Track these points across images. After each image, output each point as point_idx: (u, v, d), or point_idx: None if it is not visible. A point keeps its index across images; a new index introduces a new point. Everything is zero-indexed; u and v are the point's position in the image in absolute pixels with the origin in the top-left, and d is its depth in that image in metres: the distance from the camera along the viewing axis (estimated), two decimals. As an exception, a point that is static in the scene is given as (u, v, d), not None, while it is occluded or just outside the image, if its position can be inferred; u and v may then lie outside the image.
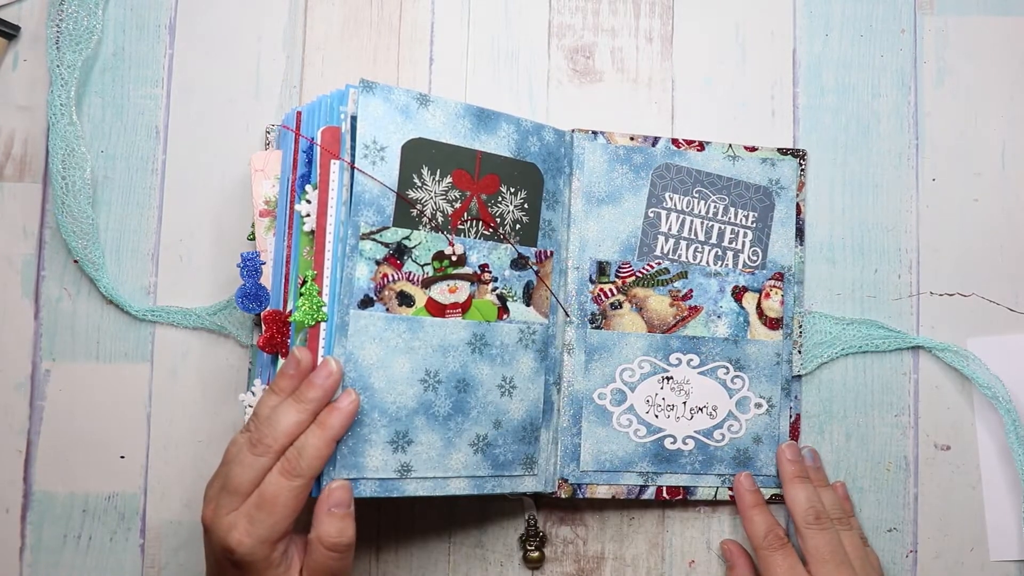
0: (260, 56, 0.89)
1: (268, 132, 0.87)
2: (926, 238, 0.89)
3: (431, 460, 0.75)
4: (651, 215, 0.86)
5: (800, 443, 0.87)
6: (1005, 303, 0.89)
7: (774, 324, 0.86)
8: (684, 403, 0.85)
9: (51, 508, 0.85)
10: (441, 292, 0.76)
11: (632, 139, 0.86)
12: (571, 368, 0.84)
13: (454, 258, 0.76)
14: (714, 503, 0.87)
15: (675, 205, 0.86)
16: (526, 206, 0.80)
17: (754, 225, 0.87)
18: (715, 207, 0.86)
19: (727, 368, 0.86)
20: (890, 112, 0.90)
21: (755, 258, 0.87)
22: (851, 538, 0.82)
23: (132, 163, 0.87)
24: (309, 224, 0.74)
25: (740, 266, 0.86)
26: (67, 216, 0.84)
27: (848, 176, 0.90)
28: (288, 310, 0.75)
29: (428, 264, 0.76)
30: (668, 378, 0.85)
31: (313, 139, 0.74)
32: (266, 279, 0.79)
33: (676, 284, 0.86)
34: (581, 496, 0.84)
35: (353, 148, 0.73)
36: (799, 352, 0.87)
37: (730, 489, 0.86)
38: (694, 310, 0.86)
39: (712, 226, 0.86)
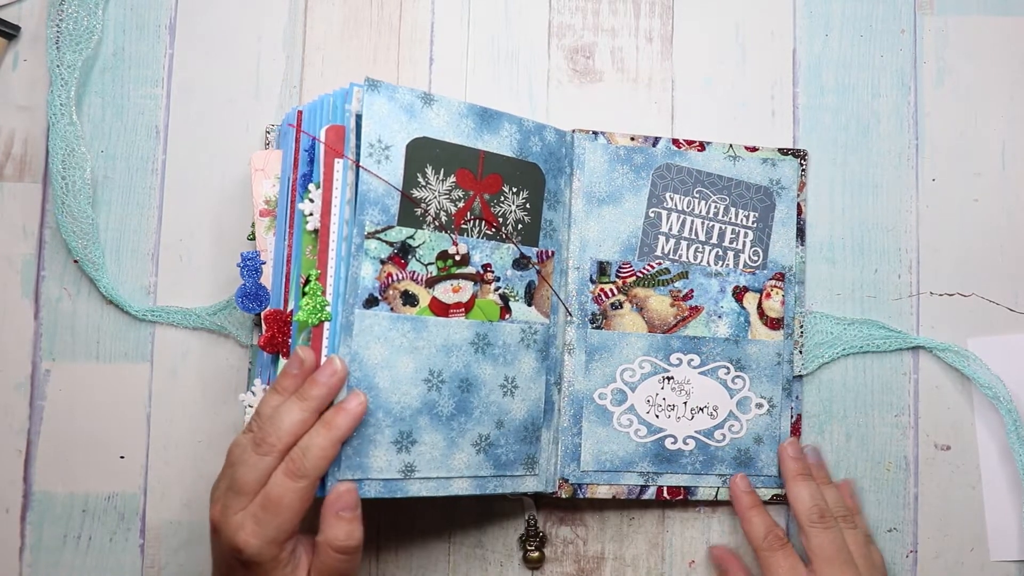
0: (260, 56, 0.89)
1: (268, 132, 0.87)
2: (926, 238, 0.89)
3: (434, 460, 0.75)
4: (652, 215, 0.86)
5: (801, 443, 0.87)
6: (1005, 303, 0.89)
7: (775, 324, 0.86)
8: (685, 403, 0.85)
9: (51, 508, 0.85)
10: (445, 292, 0.76)
11: (633, 139, 0.86)
12: (572, 368, 0.84)
13: (458, 258, 0.76)
14: (714, 503, 0.87)
15: (676, 205, 0.86)
16: (528, 206, 0.80)
17: (755, 225, 0.87)
18: (716, 207, 0.86)
19: (728, 368, 0.86)
20: (890, 112, 0.90)
21: (756, 258, 0.87)
22: (855, 537, 0.82)
23: (132, 163, 0.87)
24: (312, 223, 0.74)
25: (741, 266, 0.86)
26: (67, 216, 0.84)
27: (848, 176, 0.90)
28: (289, 310, 0.75)
29: (432, 263, 0.76)
30: (669, 378, 0.85)
31: (317, 137, 0.74)
32: (266, 279, 0.79)
33: (677, 284, 0.86)
34: (581, 496, 0.84)
35: (358, 147, 0.73)
36: (800, 352, 0.87)
37: (731, 489, 0.86)
38: (695, 310, 0.86)
39: (713, 226, 0.86)
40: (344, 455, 0.72)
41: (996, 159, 0.90)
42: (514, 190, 0.79)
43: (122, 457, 0.85)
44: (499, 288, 0.78)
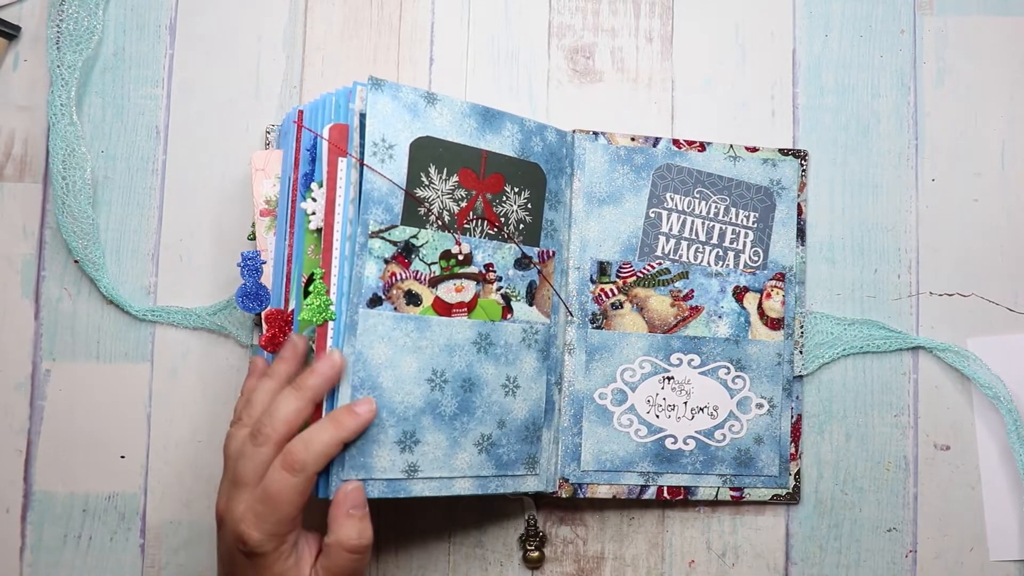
0: (260, 56, 0.89)
1: (268, 132, 0.87)
2: (926, 238, 0.90)
3: (437, 460, 0.75)
4: (652, 215, 0.86)
5: (801, 443, 0.87)
6: (1005, 303, 0.89)
7: (775, 324, 0.86)
8: (685, 403, 0.85)
9: (51, 508, 0.85)
10: (448, 291, 0.76)
11: (633, 139, 0.86)
12: (572, 368, 0.84)
13: (460, 257, 0.76)
14: (714, 503, 0.87)
15: (676, 205, 0.86)
16: (529, 206, 0.80)
17: (755, 225, 0.87)
18: (716, 207, 0.86)
19: (728, 368, 0.86)
20: (890, 112, 0.91)
21: (756, 258, 0.87)
22: None
23: (132, 163, 0.87)
24: (315, 222, 0.74)
25: (741, 266, 0.86)
26: (67, 216, 0.84)
27: (848, 176, 0.90)
28: (290, 309, 0.75)
29: (435, 263, 0.76)
30: (669, 378, 0.85)
31: (320, 135, 0.74)
32: (266, 279, 0.79)
33: (677, 284, 0.86)
34: (582, 496, 0.84)
35: (362, 145, 0.73)
36: (800, 352, 0.87)
37: (732, 489, 0.86)
38: (695, 310, 0.86)
39: (713, 226, 0.86)
40: (348, 455, 0.71)
41: (996, 159, 0.90)
42: (516, 190, 0.79)
43: (122, 457, 0.85)
44: (501, 288, 0.78)
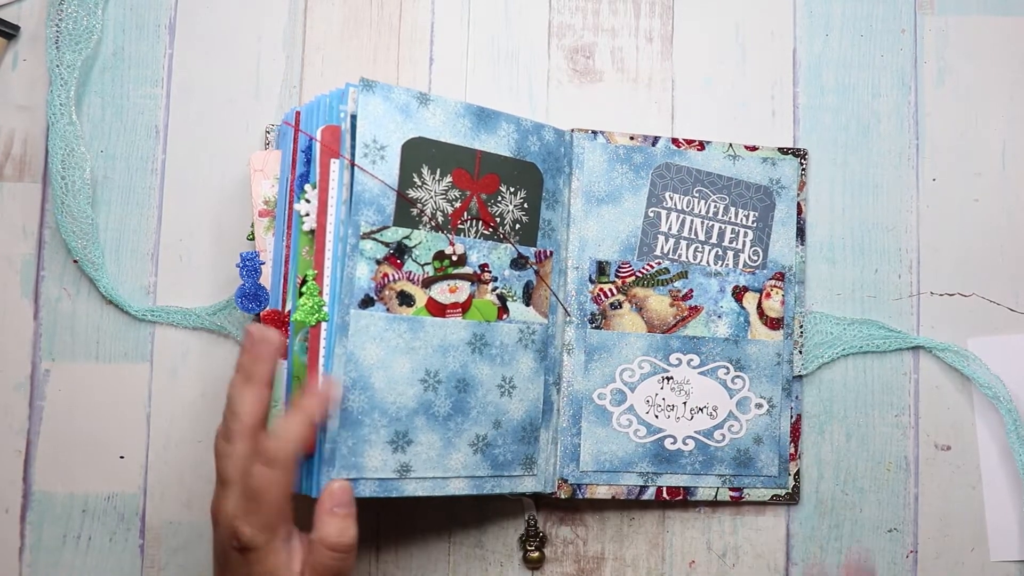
0: (260, 56, 0.89)
1: (268, 132, 0.87)
2: (926, 238, 0.89)
3: (431, 460, 0.75)
4: (651, 215, 0.86)
5: (801, 443, 0.87)
6: (1005, 303, 0.89)
7: (775, 324, 0.86)
8: (684, 403, 0.85)
9: (51, 508, 0.85)
10: (441, 292, 0.76)
11: (632, 139, 0.86)
12: (571, 368, 0.84)
13: (454, 258, 0.76)
14: (714, 503, 0.87)
15: (675, 205, 0.86)
16: (526, 206, 0.80)
17: (755, 225, 0.87)
18: (715, 207, 0.86)
19: (727, 368, 0.85)
20: (890, 112, 0.90)
21: (756, 258, 0.86)
22: None
23: (132, 163, 0.87)
24: (308, 223, 0.74)
25: (741, 266, 0.86)
26: (67, 216, 0.84)
27: (848, 176, 0.90)
28: (287, 310, 0.75)
29: (428, 264, 0.75)
30: (668, 378, 0.85)
31: (314, 137, 0.74)
32: (265, 279, 0.79)
33: (676, 284, 0.85)
34: (581, 496, 0.84)
35: (353, 147, 0.73)
36: (800, 352, 0.87)
37: (731, 490, 0.86)
38: (694, 310, 0.85)
39: (712, 226, 0.86)
40: (339, 454, 0.71)
41: (996, 159, 0.90)
42: (512, 190, 0.79)
43: (122, 457, 0.85)
44: (496, 288, 0.78)
